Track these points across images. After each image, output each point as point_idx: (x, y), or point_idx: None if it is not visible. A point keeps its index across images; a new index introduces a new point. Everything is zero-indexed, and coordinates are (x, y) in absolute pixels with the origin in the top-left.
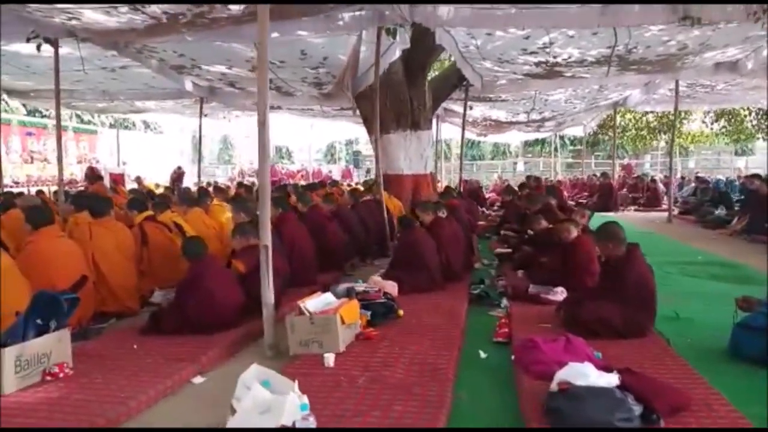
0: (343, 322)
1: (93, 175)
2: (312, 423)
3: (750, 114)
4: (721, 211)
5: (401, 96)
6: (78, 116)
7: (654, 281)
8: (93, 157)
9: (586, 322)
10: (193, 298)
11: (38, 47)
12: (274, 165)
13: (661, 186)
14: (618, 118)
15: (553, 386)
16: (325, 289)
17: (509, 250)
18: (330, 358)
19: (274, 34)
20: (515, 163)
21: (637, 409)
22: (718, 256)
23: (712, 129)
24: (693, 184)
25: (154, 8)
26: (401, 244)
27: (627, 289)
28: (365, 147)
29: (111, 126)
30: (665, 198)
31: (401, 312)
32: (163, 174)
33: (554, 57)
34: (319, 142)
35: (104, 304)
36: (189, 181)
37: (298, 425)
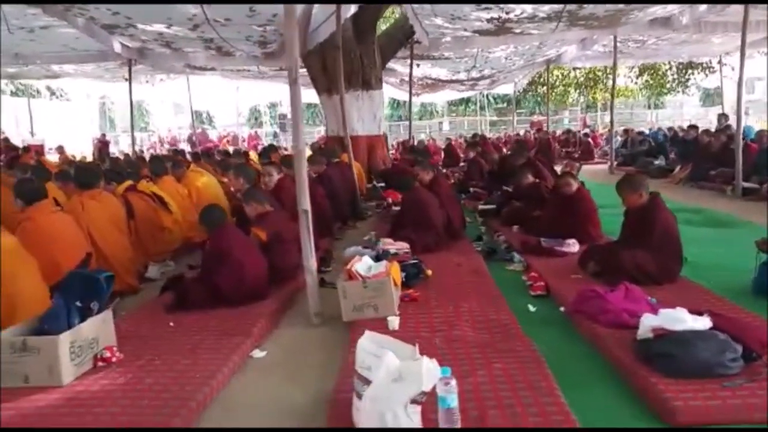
0: (395, 285)
1: (8, 147)
2: (454, 387)
3: (671, 68)
4: (661, 162)
5: (351, 54)
6: None
7: (677, 227)
8: None
9: (625, 270)
10: (223, 270)
11: None
12: (192, 131)
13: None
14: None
15: (643, 333)
16: (326, 254)
17: (493, 206)
18: (395, 321)
19: None
20: (440, 123)
21: (739, 349)
22: (680, 203)
23: (636, 83)
24: (619, 137)
25: None
26: (406, 204)
27: (654, 236)
28: (289, 110)
29: (13, 94)
30: (596, 151)
31: (429, 272)
32: (79, 144)
33: (507, 13)
34: (241, 106)
35: None
36: (115, 151)
37: (439, 391)
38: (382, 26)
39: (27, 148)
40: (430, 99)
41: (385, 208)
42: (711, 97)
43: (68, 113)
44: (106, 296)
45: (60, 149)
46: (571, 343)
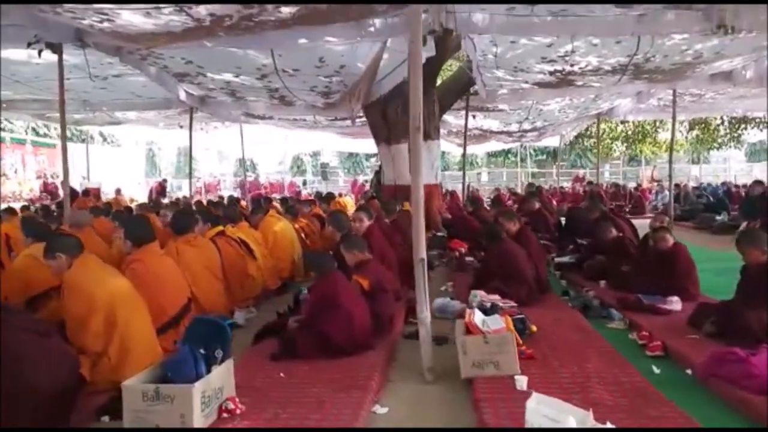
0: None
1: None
2: None
3: (723, 123)
4: (723, 217)
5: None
6: (34, 129)
7: None
8: (53, 172)
9: (753, 331)
10: (331, 318)
11: (39, 53)
12: (243, 177)
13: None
14: (595, 129)
15: None
16: (409, 306)
17: (570, 260)
18: (523, 381)
19: (302, 40)
20: (479, 174)
21: None
22: None
23: (687, 138)
24: (667, 192)
25: (201, 9)
26: (495, 256)
27: None
28: (331, 158)
29: (69, 139)
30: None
31: (534, 328)
32: (128, 188)
33: (572, 65)
34: (286, 155)
35: None
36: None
37: None
38: (439, 79)
39: (87, 191)
40: (472, 150)
41: (457, 258)
42: (757, 152)
43: (118, 158)
44: (230, 344)
45: (117, 192)
46: (715, 409)
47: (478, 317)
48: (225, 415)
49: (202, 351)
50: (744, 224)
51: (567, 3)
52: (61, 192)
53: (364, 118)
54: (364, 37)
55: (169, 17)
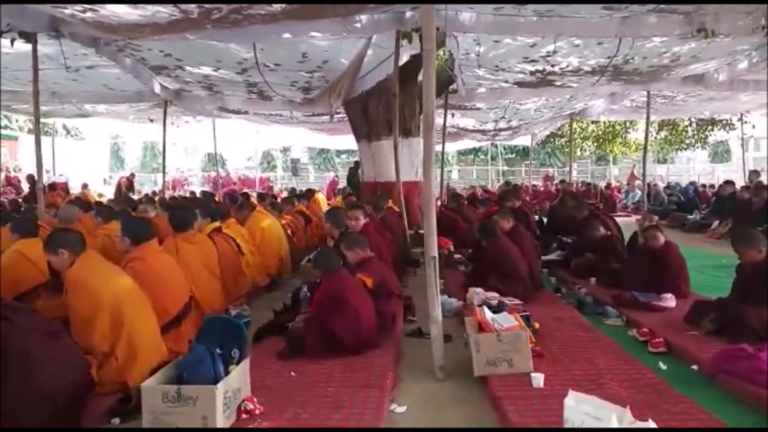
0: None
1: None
2: None
3: (690, 124)
4: (695, 216)
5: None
6: None
7: None
8: (15, 165)
9: (753, 329)
10: (339, 316)
11: (12, 42)
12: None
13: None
14: (566, 128)
15: None
16: (409, 301)
17: (558, 258)
18: (539, 379)
19: (286, 35)
20: (450, 172)
21: None
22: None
23: (656, 138)
24: (638, 191)
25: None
26: (490, 253)
27: None
28: (301, 154)
29: (29, 131)
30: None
31: (537, 325)
32: (92, 182)
33: (552, 66)
34: (256, 150)
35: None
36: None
37: None
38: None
39: (53, 186)
40: (450, 148)
41: (445, 255)
42: (720, 154)
43: (82, 152)
44: (246, 343)
45: (84, 186)
46: (728, 405)
47: (487, 315)
48: (244, 416)
49: (218, 350)
50: (716, 223)
51: (556, 3)
52: (24, 186)
53: (342, 115)
54: (350, 33)
55: (156, 8)
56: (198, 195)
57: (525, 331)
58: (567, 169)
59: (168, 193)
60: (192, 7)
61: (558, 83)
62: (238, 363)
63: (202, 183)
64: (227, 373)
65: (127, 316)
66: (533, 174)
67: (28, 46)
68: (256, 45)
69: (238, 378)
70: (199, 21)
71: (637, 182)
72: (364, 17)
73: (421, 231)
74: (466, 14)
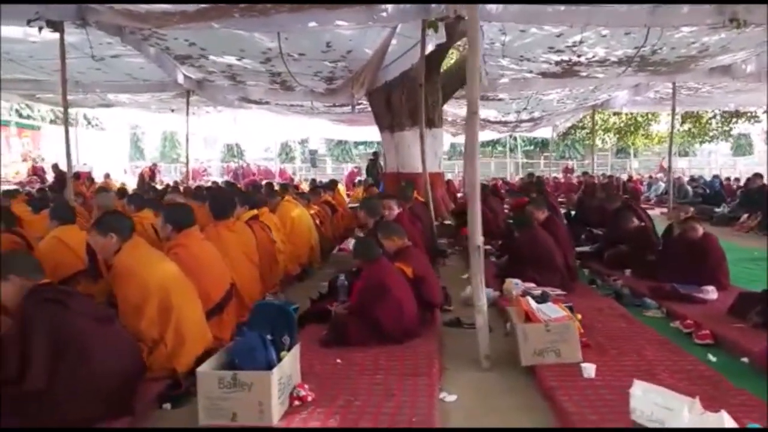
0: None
1: (62, 173)
2: None
3: (715, 117)
4: (723, 209)
5: (418, 92)
6: (17, 111)
7: None
8: (38, 155)
9: None
10: (382, 305)
11: (40, 30)
12: (237, 164)
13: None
14: (587, 120)
15: None
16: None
17: (591, 249)
18: (590, 369)
19: (312, 24)
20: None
21: None
22: (762, 252)
23: (679, 130)
24: (662, 183)
25: None
26: (525, 244)
27: None
28: (319, 146)
29: (51, 122)
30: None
31: (579, 316)
32: (113, 172)
33: (579, 56)
34: (270, 141)
35: (241, 316)
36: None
37: None
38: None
39: (77, 175)
40: (462, 139)
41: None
42: (742, 147)
43: (102, 142)
44: (296, 329)
45: (107, 176)
46: None
47: (532, 305)
48: (297, 402)
49: (269, 337)
50: (744, 216)
51: None
52: (48, 175)
53: (363, 106)
54: (375, 22)
55: None
56: (221, 185)
57: (574, 321)
58: (586, 161)
59: (189, 183)
60: None
61: (583, 74)
62: (288, 350)
63: (221, 173)
64: (279, 359)
65: (175, 303)
66: (552, 166)
67: (54, 36)
68: (281, 34)
69: (290, 364)
70: (228, 9)
71: (660, 174)
72: (390, 6)
73: (446, 222)
74: (493, 3)
